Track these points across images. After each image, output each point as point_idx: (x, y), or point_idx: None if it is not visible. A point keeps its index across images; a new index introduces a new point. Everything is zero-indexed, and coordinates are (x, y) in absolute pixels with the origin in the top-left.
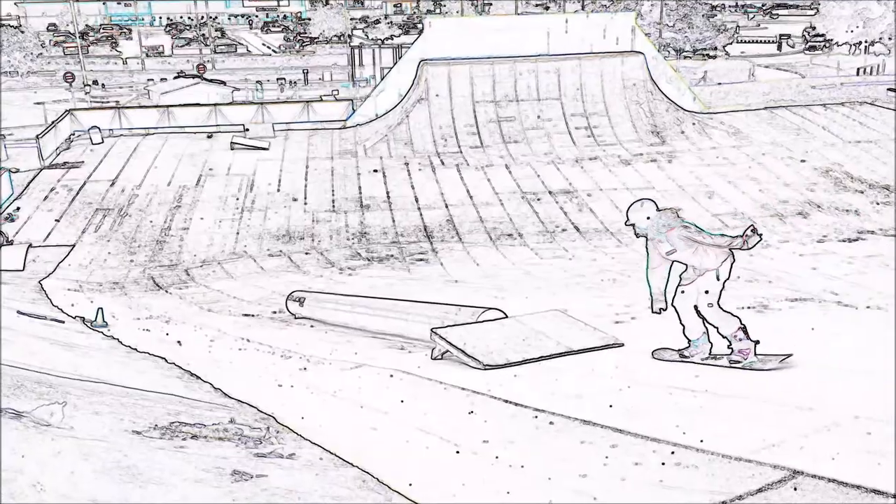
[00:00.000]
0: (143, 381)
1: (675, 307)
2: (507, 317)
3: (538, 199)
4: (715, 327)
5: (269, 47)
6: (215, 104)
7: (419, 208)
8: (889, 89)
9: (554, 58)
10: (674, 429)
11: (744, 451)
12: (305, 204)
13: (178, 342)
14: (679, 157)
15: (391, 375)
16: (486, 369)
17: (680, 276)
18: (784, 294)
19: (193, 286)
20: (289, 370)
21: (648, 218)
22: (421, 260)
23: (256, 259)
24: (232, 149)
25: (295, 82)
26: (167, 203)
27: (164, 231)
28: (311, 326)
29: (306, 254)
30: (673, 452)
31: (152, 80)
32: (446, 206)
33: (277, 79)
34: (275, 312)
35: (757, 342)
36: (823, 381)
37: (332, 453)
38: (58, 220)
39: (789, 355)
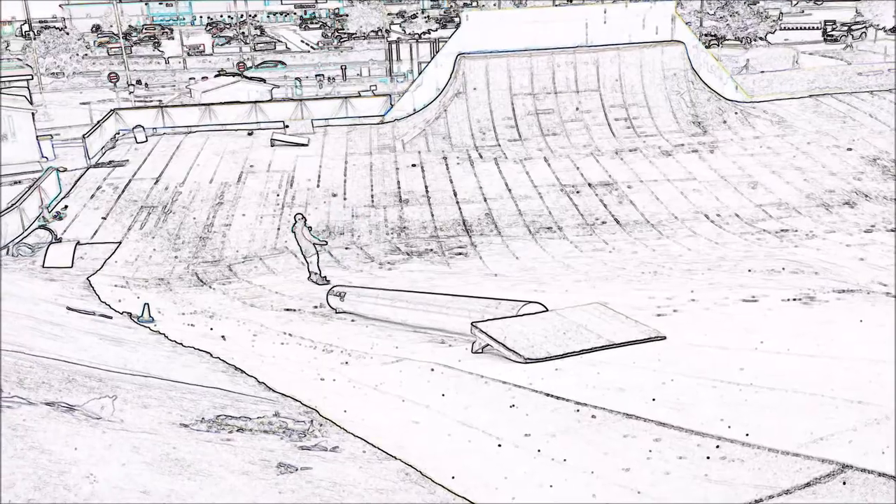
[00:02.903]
0: (189, 375)
1: None
2: (547, 310)
3: (577, 192)
4: None
5: (307, 44)
6: (255, 101)
7: (458, 202)
8: None
9: (593, 49)
10: (718, 422)
11: (790, 444)
12: (345, 199)
13: (223, 337)
14: (721, 148)
15: (432, 370)
16: (527, 363)
17: None
18: (831, 285)
19: (236, 281)
20: (330, 364)
21: None
22: (460, 254)
23: (297, 255)
24: (272, 145)
25: (333, 78)
26: (209, 200)
27: (206, 227)
28: (352, 321)
29: (346, 249)
30: (718, 446)
31: (193, 78)
32: (485, 200)
33: (316, 75)
34: (316, 307)
35: None
36: (872, 374)
37: (375, 446)
38: (104, 218)
39: None
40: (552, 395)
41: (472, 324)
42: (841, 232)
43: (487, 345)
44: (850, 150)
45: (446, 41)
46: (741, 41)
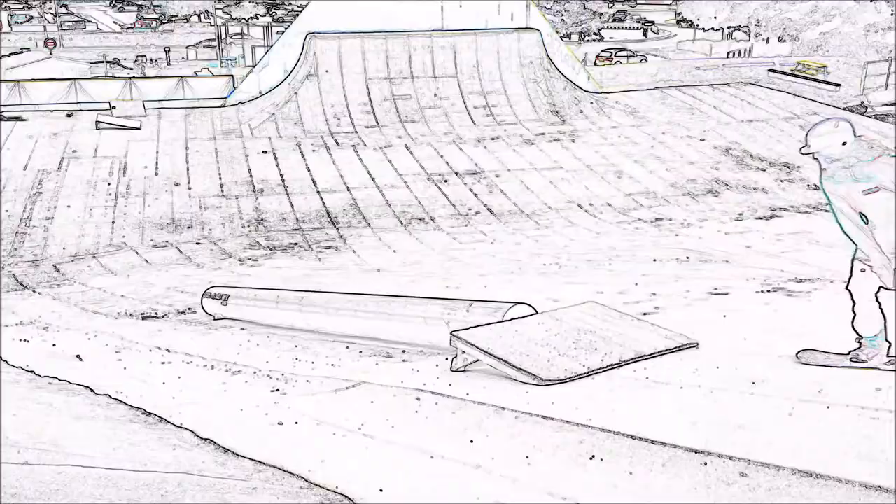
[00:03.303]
0: (97, 441)
1: (849, 290)
2: (536, 312)
3: (445, 181)
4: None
5: (121, 26)
6: (74, 79)
7: (318, 192)
8: (770, 70)
9: (449, 33)
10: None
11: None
12: (190, 189)
13: (78, 357)
14: (581, 137)
15: (418, 398)
16: (544, 386)
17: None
18: (752, 274)
19: (67, 284)
20: (256, 394)
21: (845, 143)
22: (330, 248)
23: (139, 251)
24: (97, 128)
25: (156, 61)
26: (25, 189)
27: (24, 221)
28: (242, 329)
29: (197, 244)
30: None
31: None
32: (348, 190)
33: (137, 56)
34: (182, 312)
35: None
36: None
37: None
38: None
39: None
40: (606, 430)
41: (452, 333)
42: (714, 220)
43: (475, 361)
44: (703, 140)
45: (286, 24)
46: (580, 36)
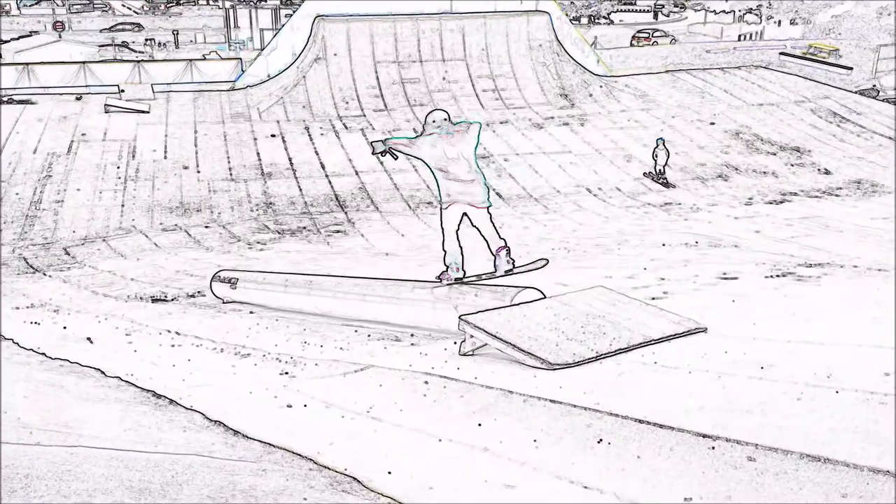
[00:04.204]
0: (108, 422)
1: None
2: (545, 297)
3: None
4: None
5: (129, 8)
6: (84, 62)
7: (327, 175)
8: (781, 53)
9: (458, 16)
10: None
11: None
12: (198, 172)
13: (89, 339)
14: (591, 121)
15: (426, 382)
16: (553, 370)
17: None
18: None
19: (77, 267)
20: (266, 377)
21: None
22: (338, 231)
23: (148, 234)
24: (106, 112)
25: (164, 44)
26: (35, 172)
27: (34, 205)
28: (251, 313)
29: (206, 227)
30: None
31: (1, 39)
32: (356, 173)
33: (146, 40)
34: (191, 296)
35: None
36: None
37: None
38: None
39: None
40: (614, 414)
41: (460, 318)
42: (723, 205)
43: (484, 345)
44: (712, 124)
45: (294, 7)
46: (589, 19)
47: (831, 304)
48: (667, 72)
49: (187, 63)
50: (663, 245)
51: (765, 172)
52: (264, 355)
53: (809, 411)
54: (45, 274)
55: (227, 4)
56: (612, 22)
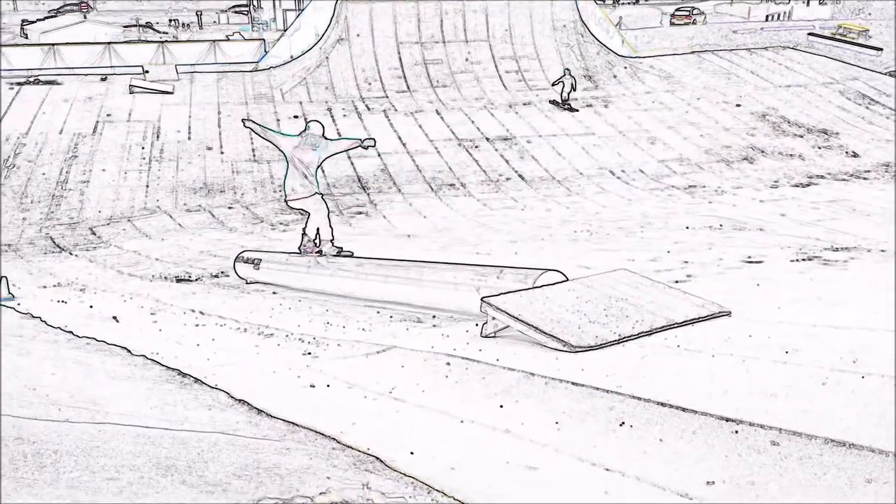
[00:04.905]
0: (134, 400)
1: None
2: (567, 279)
3: (476, 147)
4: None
5: None
6: (109, 42)
7: (349, 157)
8: (809, 34)
9: None
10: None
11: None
12: (222, 153)
13: (115, 318)
14: (614, 102)
15: (448, 363)
16: (575, 352)
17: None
18: (787, 242)
19: (103, 247)
20: (289, 357)
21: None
22: (360, 213)
23: (173, 215)
24: (131, 92)
25: (188, 25)
26: (61, 153)
27: (60, 185)
28: (274, 293)
29: (229, 208)
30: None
31: (27, 20)
32: (379, 155)
33: (170, 20)
34: (215, 276)
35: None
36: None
37: None
38: None
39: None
40: (636, 397)
41: (482, 299)
42: (748, 187)
43: (506, 327)
44: (738, 105)
45: None
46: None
47: (858, 288)
48: (692, 53)
49: (211, 44)
50: (687, 228)
51: (791, 155)
52: (287, 335)
53: (834, 396)
54: (71, 253)
55: None
56: (637, 2)
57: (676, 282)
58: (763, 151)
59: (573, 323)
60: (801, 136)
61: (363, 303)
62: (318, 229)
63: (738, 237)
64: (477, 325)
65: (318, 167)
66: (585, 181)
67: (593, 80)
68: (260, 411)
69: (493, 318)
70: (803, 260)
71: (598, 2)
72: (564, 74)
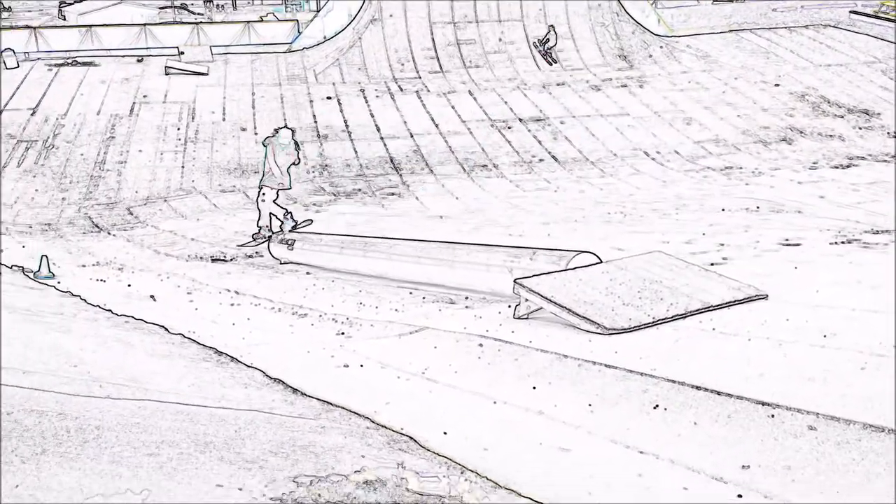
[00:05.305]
0: (173, 377)
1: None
2: (601, 261)
3: (509, 128)
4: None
5: None
6: (144, 24)
7: (382, 138)
8: (851, 12)
9: None
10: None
11: None
12: (256, 134)
13: (152, 297)
14: (650, 83)
15: (480, 344)
16: (609, 334)
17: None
18: (856, 227)
19: (140, 227)
20: (324, 337)
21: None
22: (393, 194)
23: (208, 195)
24: (167, 74)
25: (222, 5)
26: (98, 134)
27: (98, 165)
28: (308, 274)
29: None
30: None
31: (65, 1)
32: (411, 136)
33: (204, 1)
34: (249, 256)
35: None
36: None
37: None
38: None
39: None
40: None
41: (515, 281)
42: (786, 169)
43: (538, 308)
44: (777, 85)
45: None
46: None
47: None
48: (730, 31)
49: (245, 25)
50: (723, 210)
51: (831, 136)
52: (321, 315)
53: (873, 381)
54: (109, 233)
55: None
56: None
57: (712, 264)
58: (802, 132)
59: (606, 305)
60: (842, 117)
61: (395, 284)
62: (270, 215)
63: (776, 219)
64: (509, 306)
65: (288, 167)
66: (619, 162)
67: (628, 59)
68: (295, 390)
69: (526, 300)
70: (842, 243)
71: None
72: (549, 32)
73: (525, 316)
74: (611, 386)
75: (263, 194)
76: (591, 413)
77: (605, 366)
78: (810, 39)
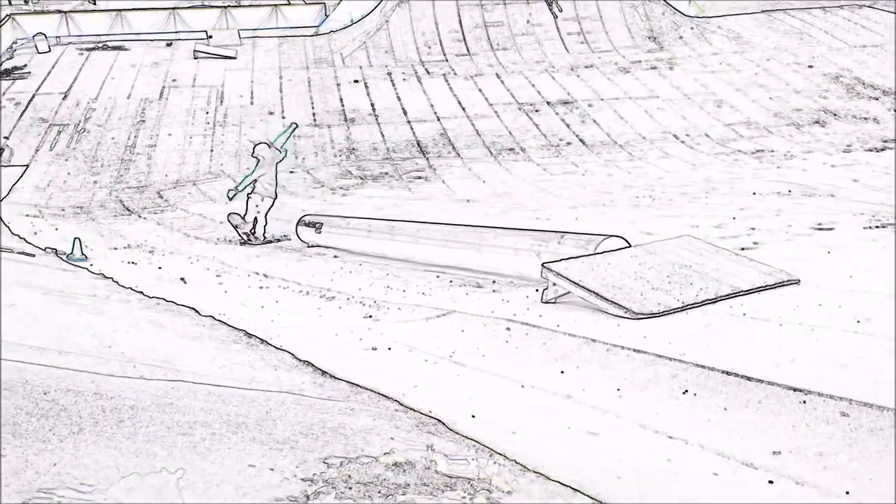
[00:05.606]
0: (204, 359)
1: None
2: (629, 245)
3: (536, 111)
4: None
5: None
6: (173, 8)
7: (409, 121)
8: None
9: None
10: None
11: None
12: (283, 118)
13: (182, 280)
14: (680, 64)
15: (508, 329)
16: (638, 319)
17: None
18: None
19: (169, 210)
20: (351, 320)
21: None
22: (419, 178)
23: (236, 179)
24: (195, 58)
25: None
26: (129, 118)
27: (128, 149)
28: (335, 257)
29: (291, 172)
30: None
31: None
32: (438, 119)
33: None
34: (277, 240)
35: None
36: None
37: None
38: (7, 138)
39: None
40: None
41: (543, 265)
42: (819, 152)
43: (566, 293)
44: (811, 67)
45: None
46: None
47: None
48: (763, 12)
49: (272, 8)
50: (754, 194)
51: (865, 118)
52: (348, 298)
53: None
54: (140, 216)
55: None
56: None
57: (742, 249)
58: (836, 114)
59: (635, 290)
60: (877, 99)
61: (423, 267)
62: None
63: (808, 203)
64: (537, 290)
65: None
66: (648, 145)
67: (658, 41)
68: (324, 373)
69: (554, 284)
70: (876, 227)
71: None
72: None
73: (553, 300)
74: (640, 371)
75: (256, 206)
76: (619, 398)
77: (634, 350)
78: (845, 20)
